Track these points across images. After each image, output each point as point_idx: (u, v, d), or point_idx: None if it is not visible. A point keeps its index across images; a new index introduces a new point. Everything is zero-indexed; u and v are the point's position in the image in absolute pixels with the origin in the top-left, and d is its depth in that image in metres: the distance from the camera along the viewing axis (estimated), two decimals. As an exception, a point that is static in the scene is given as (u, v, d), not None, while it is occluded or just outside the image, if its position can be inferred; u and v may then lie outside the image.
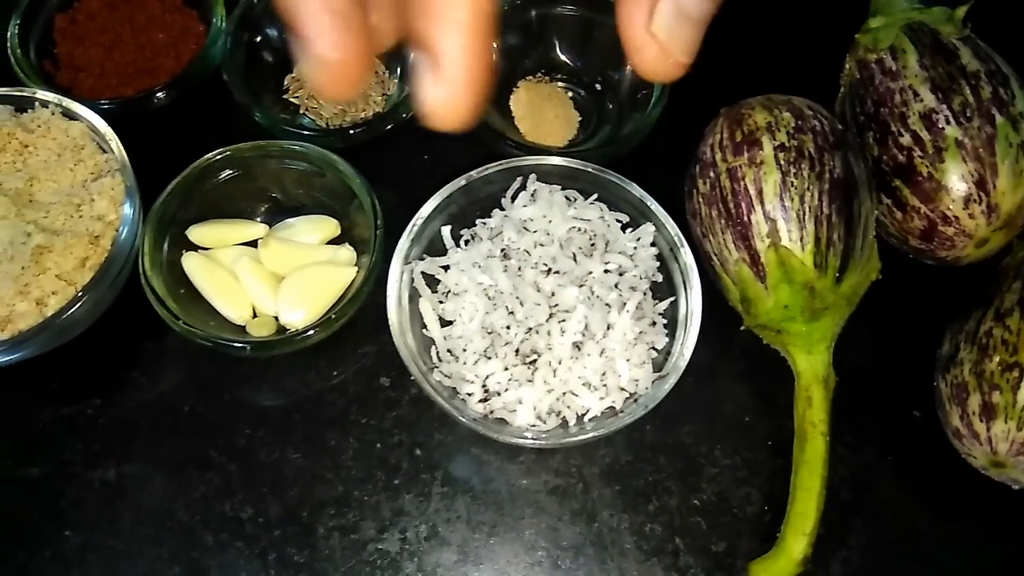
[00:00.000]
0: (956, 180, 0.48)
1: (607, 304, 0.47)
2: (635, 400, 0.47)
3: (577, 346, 0.46)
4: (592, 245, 0.49)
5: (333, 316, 0.49)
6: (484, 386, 0.46)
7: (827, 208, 0.47)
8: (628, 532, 0.49)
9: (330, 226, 0.54)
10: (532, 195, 0.51)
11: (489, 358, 0.47)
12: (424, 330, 0.49)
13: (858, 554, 0.48)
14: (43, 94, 0.53)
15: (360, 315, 0.51)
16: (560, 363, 0.46)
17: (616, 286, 0.48)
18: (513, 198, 0.51)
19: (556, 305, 0.47)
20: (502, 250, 0.49)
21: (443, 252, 0.51)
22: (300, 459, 0.50)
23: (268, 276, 0.52)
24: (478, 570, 0.48)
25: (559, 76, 0.61)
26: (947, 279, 0.52)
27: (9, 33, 0.57)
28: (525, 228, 0.50)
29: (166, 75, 0.58)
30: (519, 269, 0.49)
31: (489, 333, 0.48)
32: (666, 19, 0.22)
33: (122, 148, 0.52)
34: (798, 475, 0.47)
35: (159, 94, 0.57)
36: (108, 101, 0.56)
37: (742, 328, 0.50)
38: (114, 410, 0.52)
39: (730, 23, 0.65)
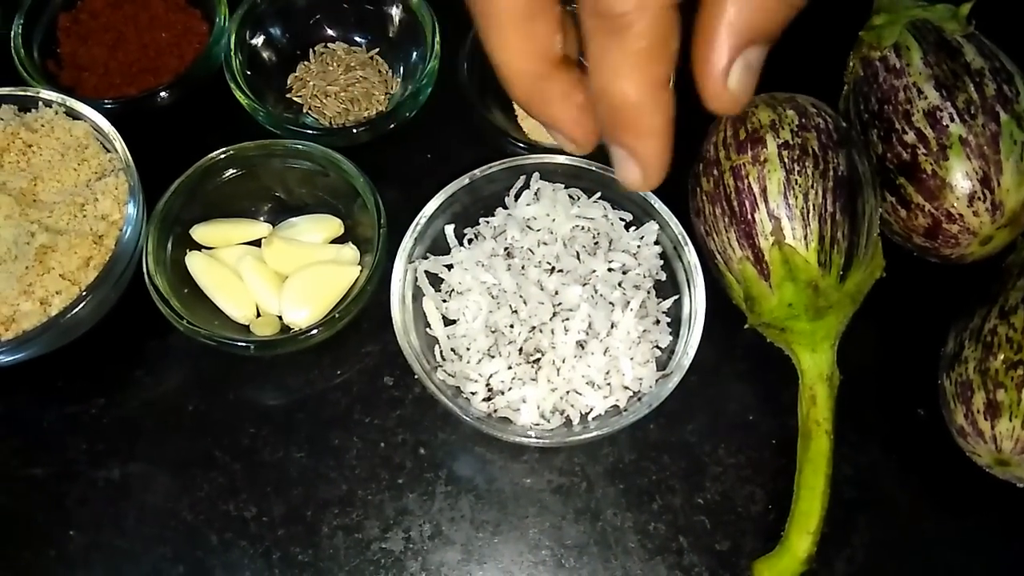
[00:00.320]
0: (960, 178, 0.47)
1: (611, 303, 0.47)
2: (639, 399, 0.47)
3: (581, 345, 0.46)
4: (596, 243, 0.49)
5: (336, 315, 0.49)
6: (488, 385, 0.46)
7: (831, 206, 0.47)
8: (632, 531, 0.49)
9: (333, 225, 0.54)
10: (535, 194, 0.51)
11: (493, 357, 0.47)
12: (428, 329, 0.49)
13: (862, 553, 0.48)
14: (47, 94, 0.53)
15: (364, 314, 0.52)
16: (564, 362, 0.46)
17: (620, 285, 0.48)
18: (516, 197, 0.51)
19: (560, 304, 0.47)
20: (506, 249, 0.49)
21: (447, 251, 0.51)
22: (304, 458, 0.51)
23: (272, 275, 0.52)
24: (482, 569, 0.48)
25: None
26: (951, 277, 0.52)
27: (12, 33, 0.57)
28: (528, 227, 0.50)
29: (169, 74, 0.58)
30: (523, 268, 0.48)
31: (493, 332, 0.48)
32: (737, 75, 0.28)
33: (125, 147, 0.52)
34: (802, 474, 0.47)
35: (162, 93, 0.57)
36: (111, 100, 0.56)
37: (746, 327, 0.50)
38: (118, 409, 0.52)
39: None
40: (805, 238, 0.47)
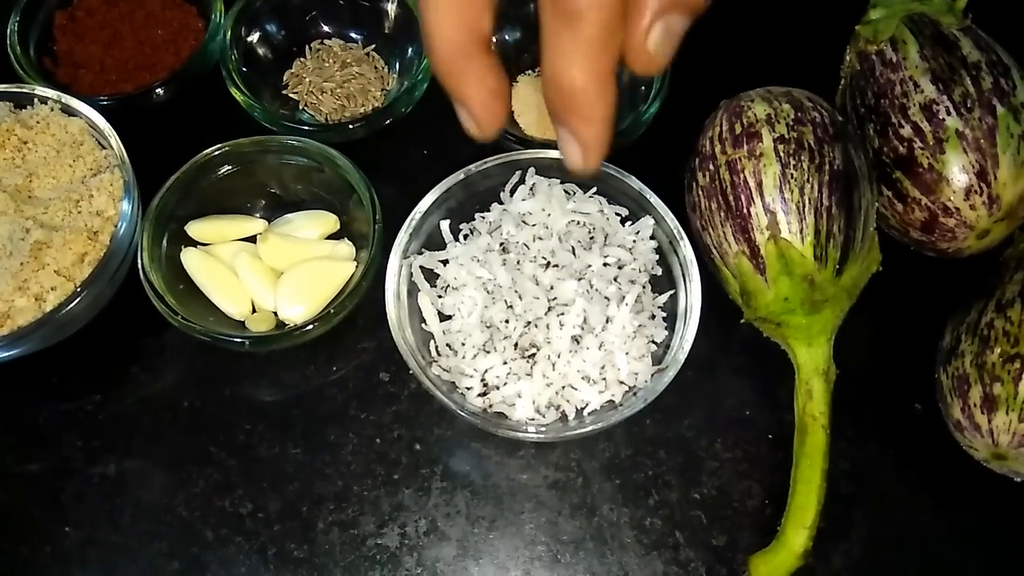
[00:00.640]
0: (957, 171, 0.47)
1: (606, 297, 0.47)
2: (634, 393, 0.47)
3: (576, 339, 0.46)
4: (591, 238, 0.49)
5: (332, 311, 0.49)
6: (483, 380, 0.46)
7: (827, 200, 0.47)
8: (628, 526, 0.49)
9: (329, 221, 0.54)
10: (531, 189, 0.51)
11: (488, 352, 0.47)
12: (423, 324, 0.49)
13: (859, 547, 0.48)
14: (42, 91, 0.53)
15: (359, 310, 0.51)
16: (559, 357, 0.46)
17: (615, 279, 0.48)
18: (512, 192, 0.51)
19: (555, 299, 0.47)
20: (501, 244, 0.49)
21: (442, 246, 0.51)
22: (299, 454, 0.50)
23: (267, 271, 0.52)
24: (478, 564, 0.48)
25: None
26: (948, 271, 0.52)
27: (8, 30, 0.57)
28: (524, 222, 0.50)
29: (165, 71, 0.58)
30: (518, 263, 0.48)
31: (488, 327, 0.48)
32: (654, 38, 0.30)
33: (121, 144, 0.52)
34: (799, 468, 0.47)
35: (158, 90, 0.57)
36: (107, 97, 0.56)
37: (742, 321, 0.50)
38: (114, 406, 0.52)
39: (730, 15, 0.65)
40: (801, 232, 0.47)
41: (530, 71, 0.60)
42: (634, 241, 0.50)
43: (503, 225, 0.50)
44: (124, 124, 0.53)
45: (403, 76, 0.60)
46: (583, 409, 0.47)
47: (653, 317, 0.48)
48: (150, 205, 0.51)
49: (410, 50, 0.59)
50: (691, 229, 0.51)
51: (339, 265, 0.52)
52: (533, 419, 0.46)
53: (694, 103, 0.53)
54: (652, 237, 0.50)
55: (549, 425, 0.46)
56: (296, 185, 0.55)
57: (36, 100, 0.53)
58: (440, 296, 0.50)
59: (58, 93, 0.53)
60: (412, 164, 0.58)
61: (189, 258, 0.52)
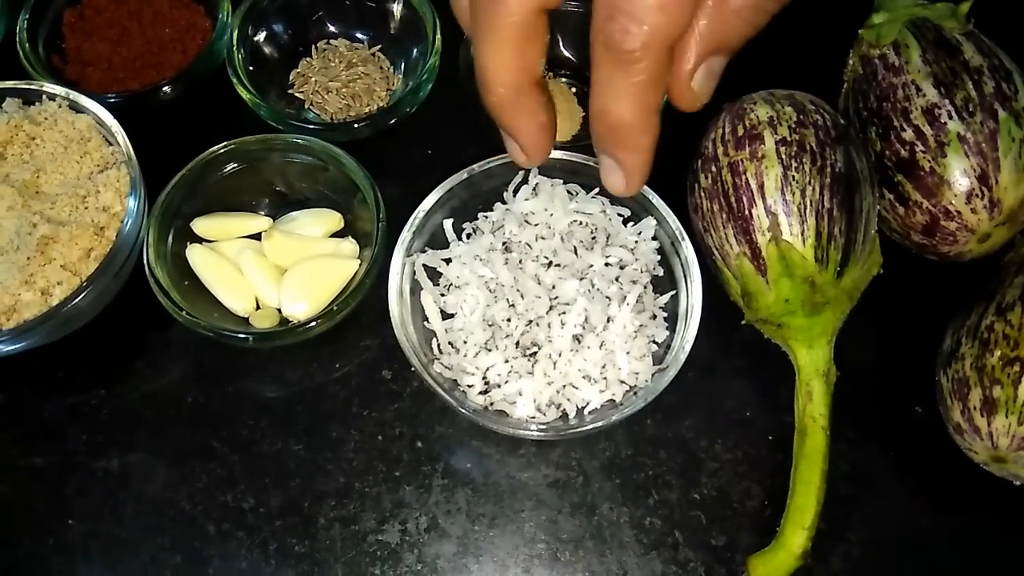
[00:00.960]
0: (958, 175, 0.48)
1: (607, 297, 0.47)
2: (635, 393, 0.47)
3: (577, 339, 0.46)
4: (593, 238, 0.49)
5: (335, 308, 0.49)
6: (484, 378, 0.47)
7: (828, 202, 0.47)
8: (628, 525, 0.49)
9: (333, 219, 0.55)
10: (534, 189, 0.51)
11: (490, 350, 0.47)
12: (425, 322, 0.49)
13: (858, 549, 0.48)
14: (51, 87, 0.54)
15: (362, 308, 0.52)
16: (560, 355, 0.46)
17: (617, 279, 0.48)
18: (515, 192, 0.51)
19: (556, 298, 0.47)
20: (503, 243, 0.49)
21: (445, 245, 0.51)
22: (302, 450, 0.51)
23: (271, 268, 0.52)
24: (478, 562, 0.48)
25: (563, 72, 0.61)
26: (949, 275, 0.52)
27: (18, 28, 0.58)
28: (526, 221, 0.50)
29: (172, 69, 0.59)
30: (520, 262, 0.49)
31: (490, 325, 0.48)
32: (700, 80, 0.32)
33: (128, 141, 0.52)
34: (798, 469, 0.47)
35: (165, 88, 0.57)
36: (115, 95, 0.56)
37: (743, 323, 0.50)
38: (118, 400, 0.52)
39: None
40: (802, 234, 0.47)
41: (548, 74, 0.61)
42: (636, 241, 0.50)
43: (506, 224, 0.50)
44: (131, 121, 0.53)
45: (408, 76, 0.60)
46: (584, 408, 0.47)
47: (654, 317, 0.49)
48: (156, 201, 0.51)
49: (415, 51, 0.60)
50: (693, 230, 0.51)
51: (343, 263, 0.52)
52: (534, 417, 0.46)
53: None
54: (654, 238, 0.50)
55: (550, 423, 0.46)
56: (301, 183, 0.56)
57: (44, 97, 0.54)
58: (443, 294, 0.50)
59: (66, 90, 0.54)
60: (416, 163, 0.59)
61: (194, 254, 0.52)
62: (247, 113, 0.57)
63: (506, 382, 0.46)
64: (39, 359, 0.51)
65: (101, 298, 0.50)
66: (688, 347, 0.46)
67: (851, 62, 0.55)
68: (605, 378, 0.46)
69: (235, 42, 0.58)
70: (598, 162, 0.36)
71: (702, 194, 0.50)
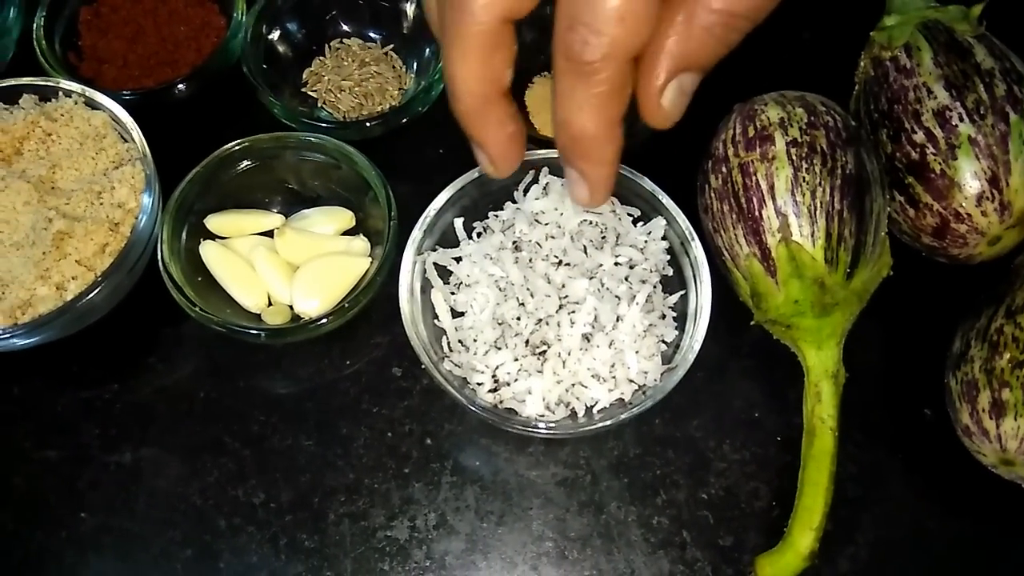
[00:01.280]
0: (969, 177, 0.48)
1: (617, 296, 0.48)
2: (644, 392, 0.47)
3: (587, 337, 0.47)
4: (603, 238, 0.50)
5: (346, 305, 0.50)
6: (494, 376, 0.47)
7: (838, 204, 0.47)
8: (635, 524, 0.49)
9: (345, 217, 0.55)
10: (544, 188, 0.51)
11: (499, 349, 0.47)
12: (436, 320, 0.50)
13: (866, 551, 0.48)
14: (67, 84, 0.54)
15: (373, 305, 0.52)
16: (569, 354, 0.46)
17: (626, 279, 0.48)
18: (525, 191, 0.52)
19: (566, 297, 0.48)
20: (514, 242, 0.50)
21: (455, 244, 0.51)
22: (312, 446, 0.51)
23: (283, 265, 0.53)
24: (486, 559, 0.49)
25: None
26: (959, 277, 0.52)
27: (35, 25, 0.59)
28: (537, 221, 0.50)
29: (187, 67, 0.59)
30: (530, 261, 0.49)
31: (500, 324, 0.48)
32: (669, 97, 0.32)
33: (143, 138, 0.53)
34: (806, 470, 0.47)
35: (180, 86, 0.58)
36: (130, 92, 0.57)
37: (752, 323, 0.50)
38: (131, 395, 0.53)
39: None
40: (812, 235, 0.47)
41: (546, 72, 0.61)
42: (646, 241, 0.50)
43: (516, 224, 0.50)
44: (146, 118, 0.54)
45: (420, 75, 0.61)
46: (593, 407, 0.47)
47: (663, 317, 0.49)
48: (170, 198, 0.52)
49: (427, 50, 0.60)
50: (703, 231, 0.51)
51: (354, 260, 0.52)
52: (543, 416, 0.47)
53: (708, 106, 0.53)
54: (663, 238, 0.51)
55: (559, 422, 0.47)
56: (313, 181, 0.56)
57: (61, 93, 0.54)
58: (453, 293, 0.50)
59: (82, 87, 0.54)
60: (428, 162, 0.59)
61: (208, 251, 0.53)
62: (261, 111, 0.57)
63: (515, 380, 0.47)
64: (53, 353, 0.52)
65: (115, 293, 0.51)
66: (697, 347, 0.46)
67: (862, 64, 0.55)
68: (614, 377, 0.47)
69: (249, 40, 0.58)
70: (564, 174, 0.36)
71: (712, 195, 0.50)
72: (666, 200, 0.50)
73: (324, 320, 0.49)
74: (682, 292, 0.50)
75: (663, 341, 0.48)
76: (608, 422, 0.45)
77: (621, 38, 0.29)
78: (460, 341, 0.49)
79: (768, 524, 0.49)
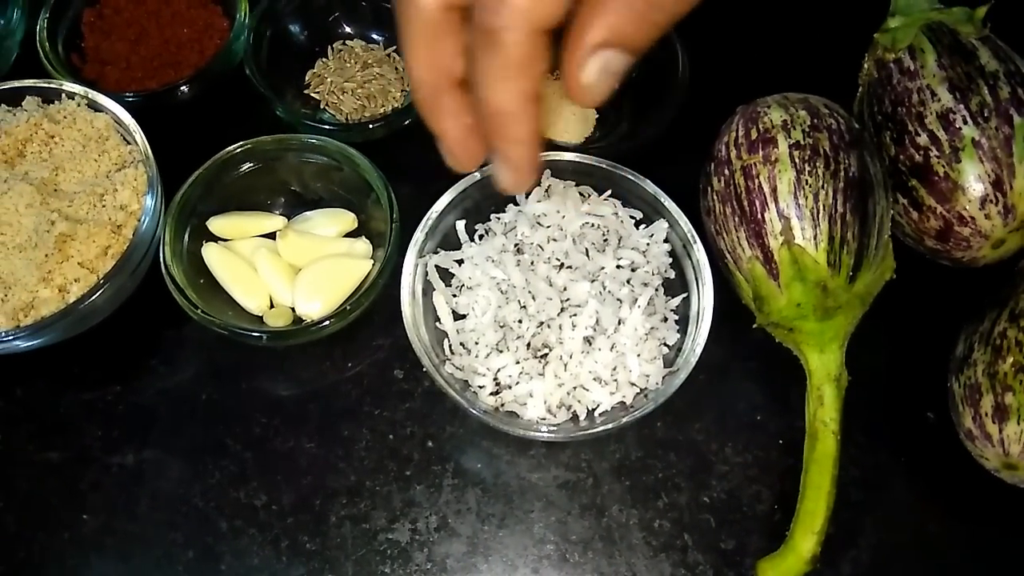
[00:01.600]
0: (973, 180, 0.47)
1: (618, 299, 0.47)
2: (645, 395, 0.47)
3: (588, 340, 0.47)
4: (605, 241, 0.50)
5: (348, 307, 0.50)
6: (496, 379, 0.47)
7: (841, 207, 0.47)
8: (637, 527, 0.49)
9: (347, 219, 0.55)
10: (546, 191, 0.51)
11: (501, 351, 0.47)
12: (437, 323, 0.50)
13: (868, 554, 0.48)
14: (70, 86, 0.54)
15: (375, 308, 0.52)
16: (571, 357, 0.46)
17: (628, 282, 0.48)
18: (527, 193, 0.52)
19: (568, 300, 0.48)
20: (516, 245, 0.50)
21: (457, 246, 0.51)
22: (314, 448, 0.51)
23: (285, 267, 0.53)
24: (487, 562, 0.48)
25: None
26: (963, 280, 0.52)
27: (38, 27, 0.59)
28: (539, 223, 0.50)
29: (190, 69, 0.59)
30: (532, 264, 0.49)
31: (501, 327, 0.48)
32: (591, 72, 0.31)
33: (145, 140, 0.53)
34: (808, 474, 0.47)
35: (183, 87, 0.58)
36: (133, 94, 0.57)
37: (754, 326, 0.50)
38: (133, 397, 0.53)
39: (749, 21, 0.65)
40: (815, 238, 0.47)
41: (549, 74, 0.61)
42: (648, 244, 0.50)
43: (518, 226, 0.50)
44: (149, 120, 0.54)
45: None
46: (594, 410, 0.47)
47: (665, 320, 0.49)
48: (173, 200, 0.52)
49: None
50: (706, 233, 0.51)
51: (356, 263, 0.52)
52: (544, 419, 0.47)
53: (711, 108, 0.53)
54: (666, 240, 0.50)
55: (560, 425, 0.47)
56: (316, 183, 0.56)
57: (64, 95, 0.54)
58: (455, 295, 0.50)
59: (85, 89, 0.54)
60: (430, 164, 0.58)
61: (210, 253, 0.53)
62: (263, 113, 0.57)
63: (517, 383, 0.47)
64: (56, 355, 0.52)
65: (117, 296, 0.51)
66: (699, 350, 0.46)
67: (866, 66, 0.54)
68: (616, 380, 0.46)
69: (252, 42, 0.58)
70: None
71: (715, 197, 0.50)
72: (668, 203, 0.50)
73: (326, 322, 0.49)
74: (684, 295, 0.50)
75: (665, 344, 0.48)
76: (609, 425, 0.45)
77: (526, 6, 0.29)
78: (462, 344, 0.49)
79: (770, 528, 0.49)
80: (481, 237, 0.52)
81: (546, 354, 0.47)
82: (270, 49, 0.60)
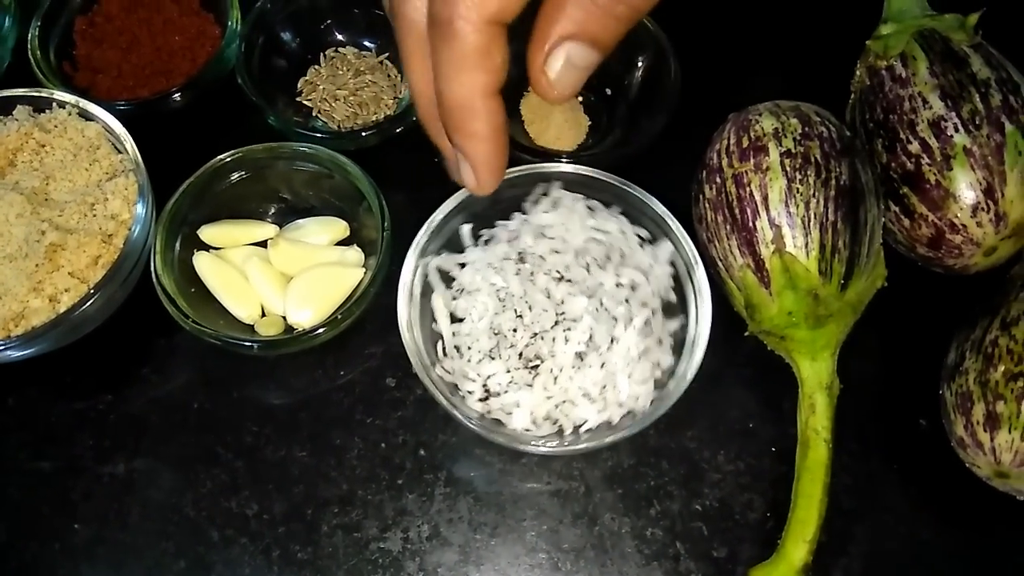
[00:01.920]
0: (964, 188, 0.47)
1: (614, 317, 0.47)
2: (632, 416, 0.46)
3: (580, 356, 0.46)
4: (607, 257, 0.49)
5: (340, 316, 0.50)
6: (485, 386, 0.47)
7: (832, 215, 0.47)
8: (629, 536, 0.49)
9: (339, 227, 0.55)
10: (554, 202, 0.50)
11: (493, 359, 0.47)
12: (433, 324, 0.49)
13: (859, 562, 0.48)
14: (60, 95, 0.54)
15: (367, 316, 0.52)
16: (561, 371, 0.46)
17: (626, 301, 0.48)
18: (536, 203, 0.51)
19: (563, 313, 0.47)
20: (519, 253, 0.49)
21: (460, 249, 0.51)
22: (306, 457, 0.51)
23: (277, 276, 0.53)
24: (479, 571, 0.48)
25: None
26: (955, 288, 0.52)
27: (29, 35, 0.59)
28: (543, 234, 0.50)
29: (182, 77, 0.59)
30: (532, 274, 0.48)
31: (496, 334, 0.48)
32: (555, 66, 0.31)
33: (136, 149, 0.53)
34: (800, 482, 0.47)
35: (175, 96, 0.58)
36: (125, 102, 0.57)
37: (746, 334, 0.50)
38: (124, 406, 0.53)
39: (741, 29, 0.65)
40: (806, 246, 0.47)
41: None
42: (651, 264, 0.49)
43: (522, 235, 0.49)
44: (140, 129, 0.54)
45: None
46: (580, 426, 0.46)
47: (661, 342, 0.48)
48: (164, 209, 0.52)
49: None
50: (697, 241, 0.51)
51: (348, 271, 0.52)
52: (529, 430, 0.46)
53: (703, 116, 0.53)
54: (671, 263, 0.50)
55: (545, 438, 0.46)
56: (307, 191, 0.56)
57: (55, 104, 0.54)
58: (454, 298, 0.50)
59: (76, 98, 0.54)
60: (422, 172, 0.58)
61: (201, 262, 0.53)
62: (255, 121, 0.57)
63: (505, 392, 0.46)
64: (47, 365, 0.52)
65: (108, 305, 0.51)
66: (691, 376, 0.45)
67: (858, 73, 0.54)
68: (604, 398, 0.46)
69: (244, 50, 0.58)
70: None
71: (706, 205, 0.50)
72: (674, 224, 0.49)
73: (318, 331, 0.49)
74: (683, 322, 0.48)
75: (658, 367, 0.47)
76: (593, 444, 0.45)
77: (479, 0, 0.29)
78: (456, 347, 0.49)
79: (762, 536, 0.49)
80: (486, 243, 0.51)
81: (537, 365, 0.46)
82: (262, 57, 0.60)
